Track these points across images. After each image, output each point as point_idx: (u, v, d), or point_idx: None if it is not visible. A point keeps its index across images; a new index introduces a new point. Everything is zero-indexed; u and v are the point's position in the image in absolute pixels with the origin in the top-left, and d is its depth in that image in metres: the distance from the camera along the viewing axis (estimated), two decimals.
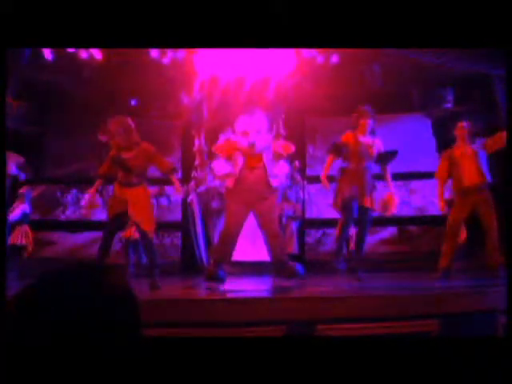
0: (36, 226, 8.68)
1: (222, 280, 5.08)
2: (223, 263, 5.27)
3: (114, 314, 0.83)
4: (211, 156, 8.24)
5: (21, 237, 8.05)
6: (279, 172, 5.38)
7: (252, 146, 5.21)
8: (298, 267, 5.25)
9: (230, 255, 5.31)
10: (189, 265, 8.99)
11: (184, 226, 9.32)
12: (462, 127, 6.10)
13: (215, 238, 7.95)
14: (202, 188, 7.84)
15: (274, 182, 5.25)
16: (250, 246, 7.74)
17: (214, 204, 7.97)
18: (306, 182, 9.15)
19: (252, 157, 5.23)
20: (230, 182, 5.21)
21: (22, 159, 8.14)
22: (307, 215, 10.36)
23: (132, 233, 8.07)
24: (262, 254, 7.19)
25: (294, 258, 7.92)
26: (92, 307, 0.81)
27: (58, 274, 0.86)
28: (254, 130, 5.27)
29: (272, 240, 5.21)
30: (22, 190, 8.33)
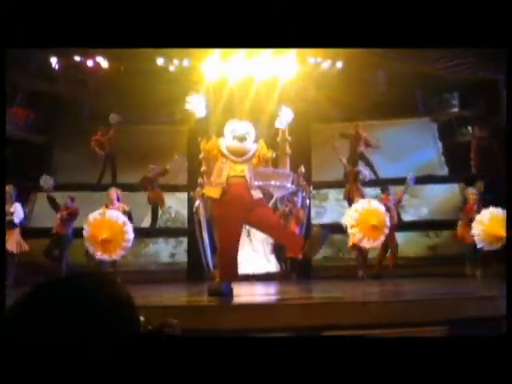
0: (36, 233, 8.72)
1: (225, 295, 4.94)
2: (232, 281, 5.16)
3: (111, 322, 0.83)
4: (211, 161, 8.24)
5: (17, 246, 7.78)
6: (262, 183, 5.35)
7: (241, 140, 5.20)
8: (324, 232, 5.15)
9: (236, 271, 5.20)
10: (195, 271, 9.00)
11: (190, 232, 9.33)
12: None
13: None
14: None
15: (255, 194, 5.20)
16: (253, 259, 7.72)
17: None
18: (311, 188, 9.12)
19: (235, 165, 5.21)
20: (215, 193, 5.14)
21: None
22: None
23: None
24: (265, 266, 7.19)
25: (298, 262, 7.90)
26: (89, 316, 0.81)
27: (55, 283, 0.86)
28: (242, 130, 5.31)
29: (279, 237, 5.22)
30: (7, 189, 7.86)
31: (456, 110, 11.46)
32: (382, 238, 7.75)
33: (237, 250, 5.15)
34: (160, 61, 10.07)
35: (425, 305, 4.46)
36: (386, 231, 7.73)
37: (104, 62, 10.12)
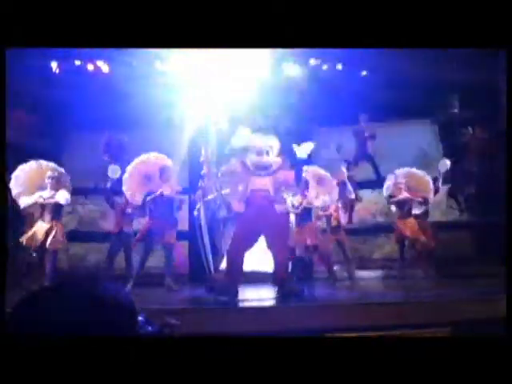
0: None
1: (232, 296, 5.05)
2: (236, 283, 5.25)
3: (111, 324, 0.83)
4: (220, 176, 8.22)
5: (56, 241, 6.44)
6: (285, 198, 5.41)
7: (262, 154, 5.21)
8: (302, 288, 5.23)
9: (242, 274, 5.33)
10: (196, 274, 8.99)
11: (191, 235, 9.32)
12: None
13: (222, 249, 7.96)
14: (208, 197, 7.84)
15: (278, 208, 5.23)
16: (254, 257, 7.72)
17: (221, 213, 7.96)
18: None
19: (258, 179, 5.23)
20: (238, 207, 5.18)
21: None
22: None
23: None
24: (265, 265, 7.16)
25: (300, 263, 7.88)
26: (88, 317, 0.81)
27: (56, 286, 0.87)
28: (266, 147, 5.30)
29: (277, 263, 5.24)
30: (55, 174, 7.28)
31: (457, 111, 11.46)
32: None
33: (244, 256, 5.25)
34: (158, 64, 10.07)
35: (426, 307, 4.45)
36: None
37: (104, 66, 10.13)
